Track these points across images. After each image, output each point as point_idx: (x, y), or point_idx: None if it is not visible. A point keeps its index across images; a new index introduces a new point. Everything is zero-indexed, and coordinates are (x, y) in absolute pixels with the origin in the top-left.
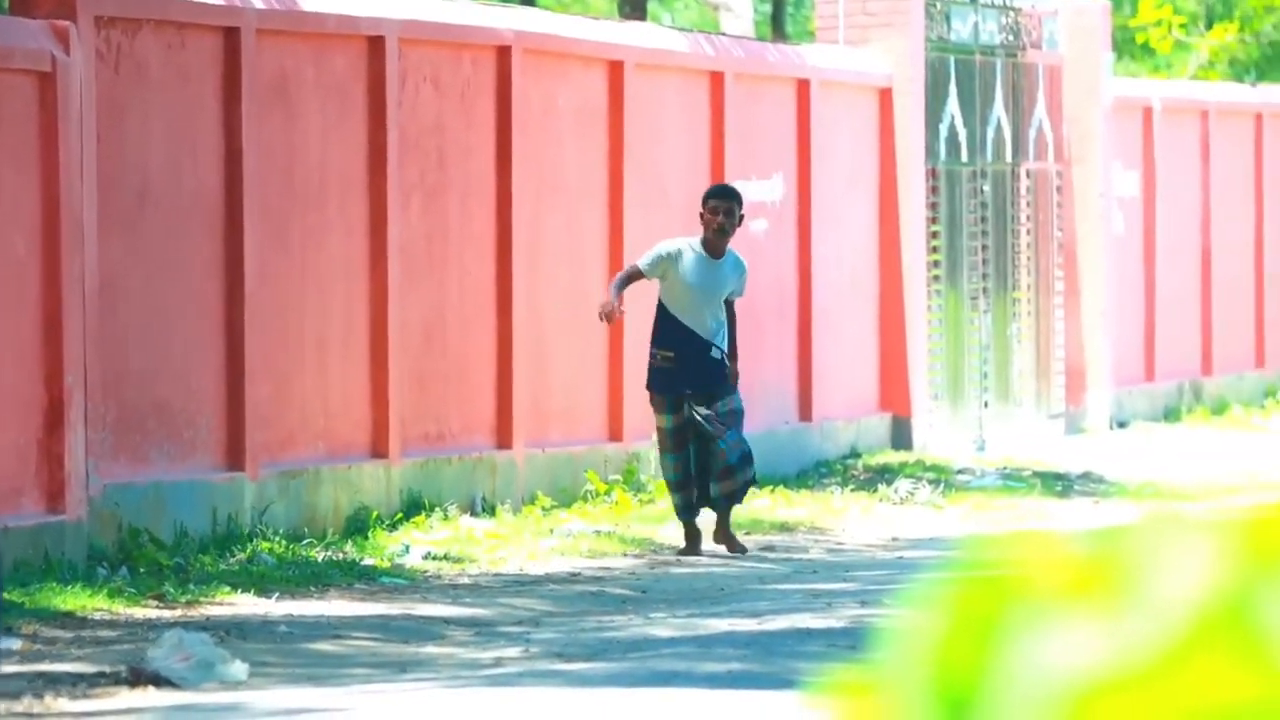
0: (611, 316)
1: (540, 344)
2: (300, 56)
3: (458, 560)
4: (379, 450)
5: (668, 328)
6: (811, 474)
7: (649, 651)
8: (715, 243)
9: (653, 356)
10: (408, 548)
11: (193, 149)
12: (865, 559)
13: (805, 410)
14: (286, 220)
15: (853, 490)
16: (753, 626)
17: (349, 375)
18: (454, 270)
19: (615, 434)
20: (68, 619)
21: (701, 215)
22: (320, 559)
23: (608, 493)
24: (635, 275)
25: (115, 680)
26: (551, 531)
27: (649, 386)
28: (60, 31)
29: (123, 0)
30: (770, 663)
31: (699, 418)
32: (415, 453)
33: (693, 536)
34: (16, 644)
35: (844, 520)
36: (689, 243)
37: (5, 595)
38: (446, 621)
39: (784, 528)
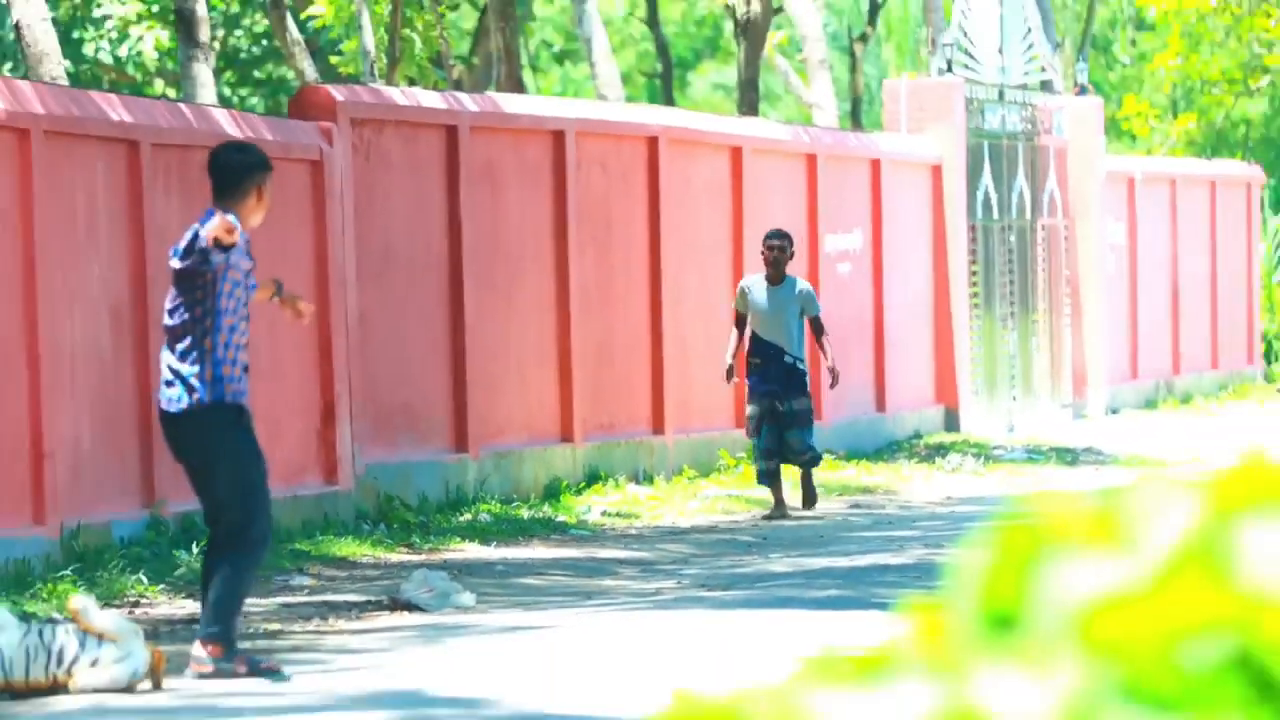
0: (729, 378)
1: (683, 358)
2: (503, 147)
3: (626, 517)
4: (567, 436)
5: (753, 342)
6: (885, 451)
7: (769, 582)
8: (771, 272)
9: (748, 364)
10: (589, 508)
11: (424, 217)
12: (927, 513)
13: (880, 403)
14: (493, 270)
15: (916, 462)
16: (845, 563)
17: (543, 382)
18: (618, 306)
19: (739, 423)
20: (342, 562)
21: (761, 253)
22: (525, 517)
23: (735, 466)
24: (737, 319)
25: (378, 607)
26: (695, 495)
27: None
28: (326, 131)
29: (371, 106)
30: (859, 590)
31: (779, 409)
32: (593, 438)
33: (777, 502)
34: (307, 581)
35: (910, 484)
36: (756, 277)
37: (297, 545)
38: (619, 562)
39: (866, 490)
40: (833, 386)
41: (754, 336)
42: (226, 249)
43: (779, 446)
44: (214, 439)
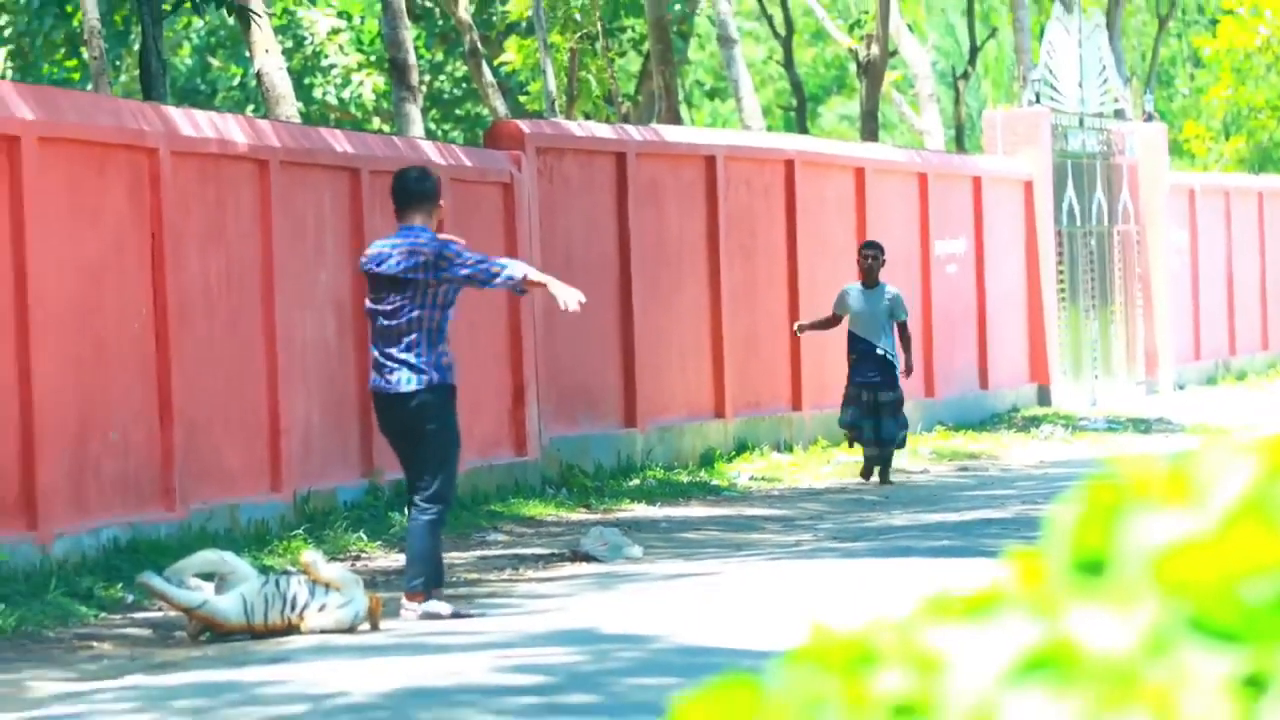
0: (799, 331)
1: (817, 346)
2: (664, 170)
3: (770, 480)
4: (719, 413)
5: (850, 340)
6: (988, 422)
7: (890, 535)
8: (866, 277)
9: (847, 359)
10: (739, 473)
11: (598, 229)
12: (1024, 475)
13: (983, 382)
14: (657, 273)
15: (1014, 432)
16: (955, 518)
17: (699, 367)
18: (762, 302)
19: None
20: (530, 521)
21: (857, 260)
22: (684, 481)
23: None
24: (833, 318)
25: (561, 558)
26: (827, 462)
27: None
28: (515, 158)
29: (553, 137)
30: (967, 540)
31: (875, 400)
32: (742, 414)
33: (866, 470)
34: (500, 537)
35: (1009, 451)
36: (854, 284)
37: (492, 507)
38: (764, 519)
39: (971, 456)
40: (906, 376)
41: (851, 335)
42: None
43: (875, 435)
44: (438, 415)
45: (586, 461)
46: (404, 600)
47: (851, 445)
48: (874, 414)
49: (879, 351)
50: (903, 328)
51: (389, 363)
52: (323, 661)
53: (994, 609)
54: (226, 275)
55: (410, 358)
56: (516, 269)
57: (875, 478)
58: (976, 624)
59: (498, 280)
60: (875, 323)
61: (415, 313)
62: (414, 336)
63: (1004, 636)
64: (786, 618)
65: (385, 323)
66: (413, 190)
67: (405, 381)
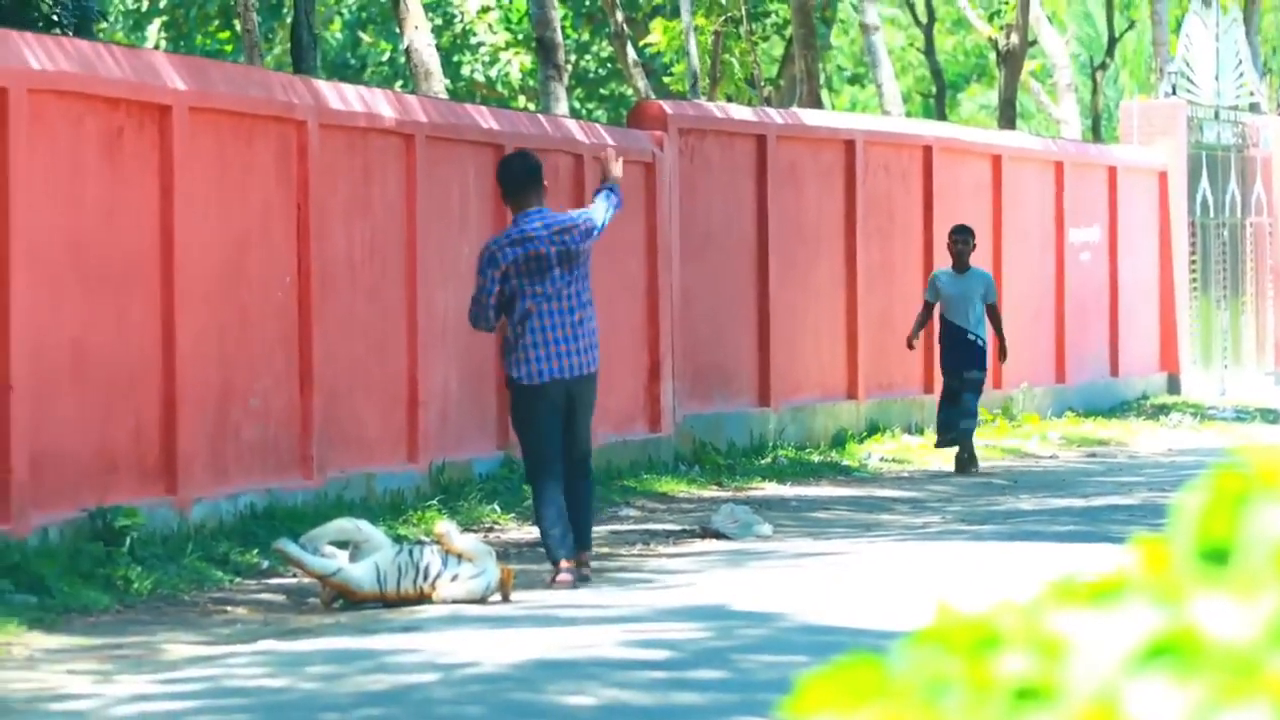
0: (910, 346)
1: None
2: (803, 153)
3: (900, 462)
4: (852, 393)
5: (941, 323)
6: (1118, 409)
7: (1018, 519)
8: (957, 262)
9: (940, 343)
10: (870, 454)
11: (737, 209)
12: (1152, 462)
13: (1114, 369)
14: (793, 254)
15: (1143, 419)
16: (1082, 503)
17: (833, 348)
18: (896, 285)
19: (997, 383)
20: (662, 497)
21: (948, 245)
22: (816, 461)
23: (992, 420)
24: (926, 307)
25: (692, 535)
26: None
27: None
28: (658, 139)
29: (695, 119)
30: (1094, 526)
31: (956, 384)
32: (874, 395)
33: (958, 462)
34: (633, 512)
35: (1138, 438)
36: (945, 269)
37: (625, 482)
38: (893, 500)
39: (1100, 442)
40: (1002, 361)
41: (942, 319)
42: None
43: (956, 419)
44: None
45: (719, 439)
46: (580, 561)
47: (939, 446)
48: (956, 396)
49: (970, 337)
50: (993, 311)
51: (576, 344)
52: (453, 631)
53: (1118, 595)
54: (370, 247)
55: (593, 334)
56: (604, 206)
57: (963, 461)
58: (1101, 610)
59: (612, 214)
60: (967, 307)
61: (588, 288)
62: (590, 310)
63: (1128, 623)
64: (912, 599)
65: (558, 305)
66: (530, 174)
67: (595, 360)
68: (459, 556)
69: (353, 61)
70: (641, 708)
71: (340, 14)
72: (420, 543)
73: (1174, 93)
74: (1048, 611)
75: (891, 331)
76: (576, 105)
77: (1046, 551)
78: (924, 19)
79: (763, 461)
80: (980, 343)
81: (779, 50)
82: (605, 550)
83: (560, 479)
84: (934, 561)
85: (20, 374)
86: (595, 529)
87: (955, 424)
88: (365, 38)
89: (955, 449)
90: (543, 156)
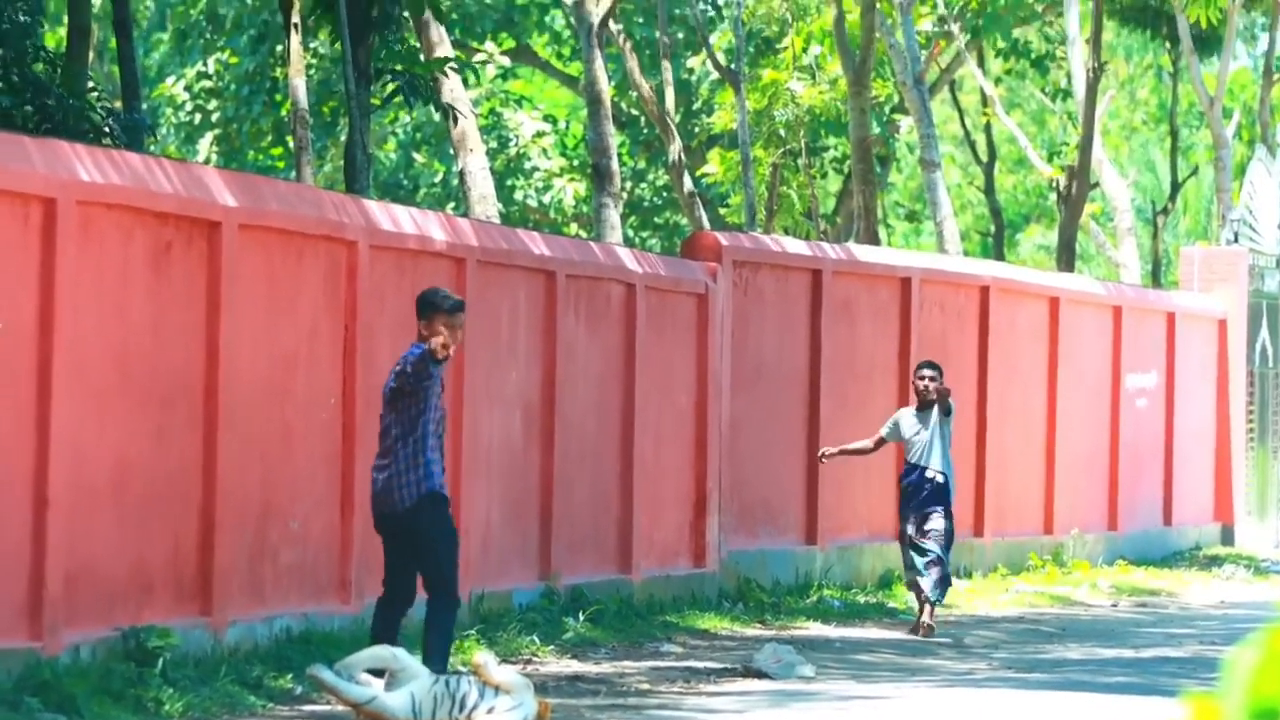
0: (824, 459)
1: (1001, 471)
2: (858, 288)
3: (947, 606)
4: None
5: (905, 468)
6: (1170, 559)
7: (1066, 668)
8: (922, 400)
9: (901, 487)
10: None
11: (790, 342)
12: (1203, 614)
13: (1167, 518)
14: (845, 389)
15: (1195, 570)
16: (1132, 654)
17: (882, 486)
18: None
19: (1048, 528)
20: (704, 634)
21: (914, 384)
22: (861, 602)
23: (1042, 566)
24: (879, 442)
25: (734, 673)
26: (1006, 590)
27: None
28: (711, 270)
29: (750, 251)
30: (1143, 678)
31: (913, 535)
32: None
33: (918, 615)
34: (675, 648)
35: (1189, 589)
36: (907, 409)
37: (667, 618)
38: (940, 645)
39: (1151, 592)
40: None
41: (907, 464)
42: (439, 363)
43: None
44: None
45: (764, 576)
46: None
47: (909, 588)
48: (918, 546)
49: (930, 475)
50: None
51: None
52: None
53: None
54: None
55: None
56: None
57: (925, 617)
58: None
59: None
60: (932, 445)
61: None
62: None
63: None
64: None
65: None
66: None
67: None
68: (496, 688)
69: (405, 182)
70: None
71: (395, 134)
72: (458, 673)
73: (1236, 240)
74: None
75: None
76: (630, 233)
77: (1094, 703)
78: (984, 157)
79: (808, 600)
80: (945, 480)
81: (836, 186)
82: (645, 686)
83: None
84: (980, 709)
85: (58, 488)
86: (637, 664)
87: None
88: (419, 158)
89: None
90: (593, 284)
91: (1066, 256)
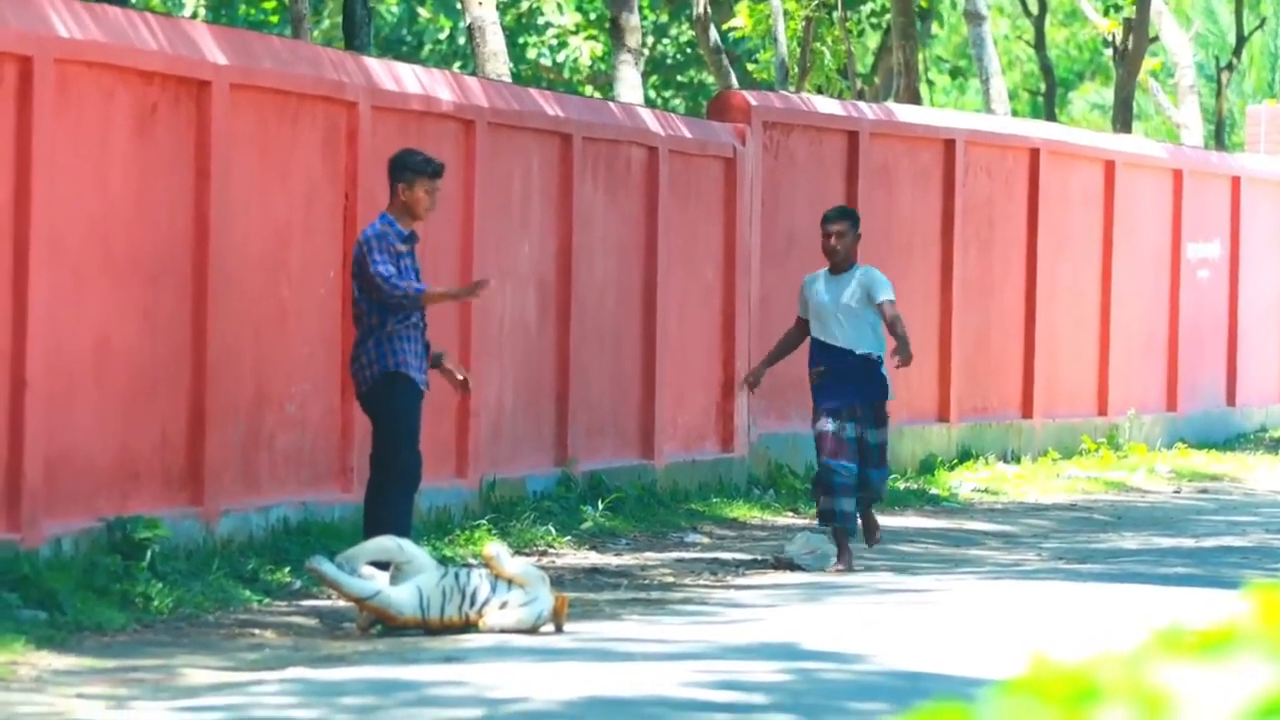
0: (747, 387)
1: (1052, 349)
2: (898, 151)
3: (994, 493)
4: (943, 416)
5: (814, 348)
6: (1234, 442)
7: (1121, 558)
8: (831, 261)
9: (810, 375)
10: (960, 483)
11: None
12: (1269, 500)
13: (1230, 398)
14: (885, 260)
15: (1261, 454)
16: (1192, 544)
17: (924, 365)
18: (996, 297)
19: (1102, 410)
20: (733, 523)
21: (821, 241)
22: (902, 489)
23: (1095, 450)
24: (797, 324)
25: (764, 565)
26: (1057, 475)
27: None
28: (739, 132)
29: (781, 111)
30: (1204, 569)
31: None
32: (967, 419)
33: (841, 550)
34: (701, 539)
35: (1255, 474)
36: (817, 272)
37: (693, 506)
38: (985, 534)
39: (1213, 478)
40: (902, 365)
41: (815, 343)
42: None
43: (857, 480)
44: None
45: (797, 461)
46: None
47: (826, 524)
48: (848, 450)
49: (859, 354)
50: (887, 313)
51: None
52: (500, 663)
53: (1229, 647)
54: (423, 241)
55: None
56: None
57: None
58: (1210, 663)
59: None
60: (850, 319)
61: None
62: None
63: (1239, 678)
64: (1005, 643)
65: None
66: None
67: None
68: (509, 582)
69: (409, 39)
70: None
71: None
72: (468, 565)
73: None
74: (1152, 663)
75: (987, 350)
76: (651, 94)
77: (1151, 595)
78: (1034, 10)
79: None
80: (876, 360)
81: (874, 42)
82: (669, 579)
83: None
84: (1028, 603)
85: (37, 371)
86: (660, 555)
87: (848, 487)
88: (423, 13)
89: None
90: (612, 148)
91: (1123, 117)
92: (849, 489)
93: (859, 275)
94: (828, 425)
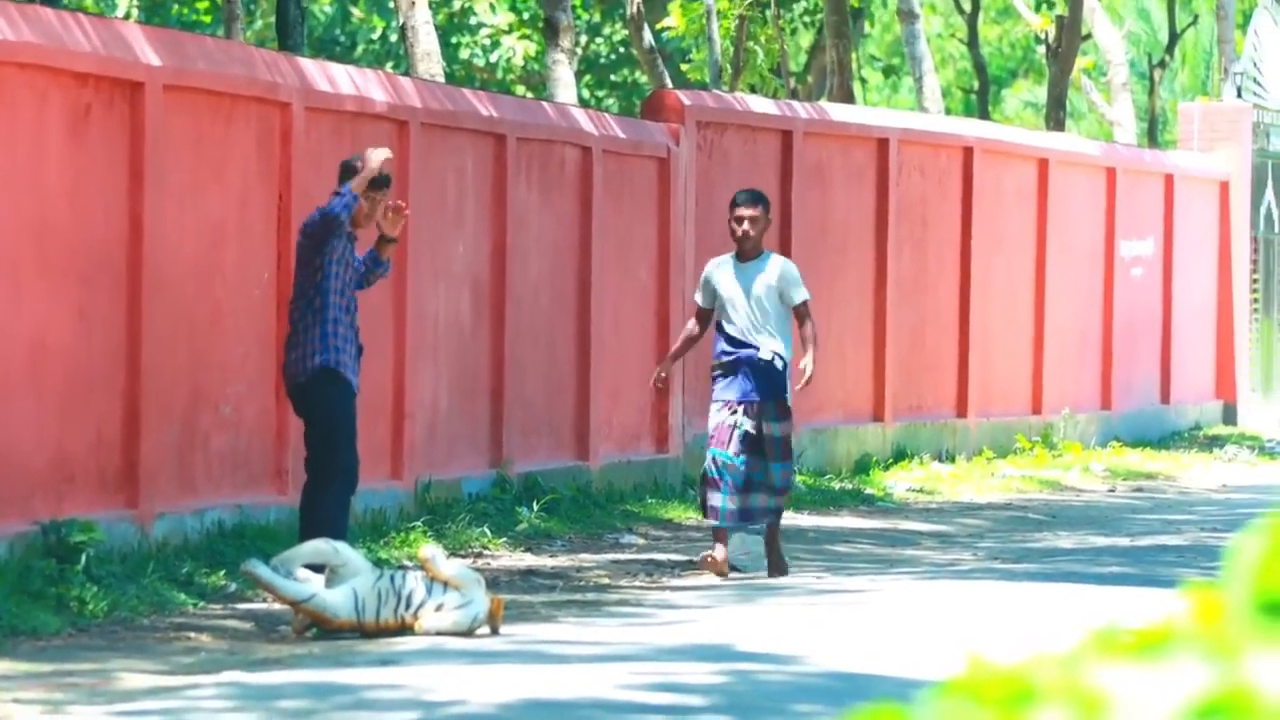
0: (655, 387)
1: (986, 348)
2: (832, 150)
3: (929, 493)
4: (878, 416)
5: (719, 340)
6: (1168, 440)
7: (1056, 557)
8: (740, 248)
9: (711, 370)
10: (895, 483)
11: None
12: (1203, 499)
13: (1165, 396)
14: (819, 259)
15: (1195, 452)
16: (1127, 542)
17: (859, 364)
18: (929, 296)
19: (1037, 408)
20: (668, 524)
21: (729, 224)
22: (836, 489)
23: (1030, 449)
24: (699, 315)
25: (699, 566)
26: (992, 474)
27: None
28: (673, 131)
29: (715, 110)
30: (1139, 568)
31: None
32: (902, 418)
33: (719, 558)
34: (636, 540)
35: (1189, 472)
36: (727, 256)
37: (627, 506)
38: (920, 534)
39: (1148, 476)
40: (804, 385)
41: (721, 334)
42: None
43: (747, 481)
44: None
45: None
46: None
47: (706, 515)
48: (757, 452)
49: (763, 358)
50: (801, 315)
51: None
52: (436, 666)
53: (1166, 648)
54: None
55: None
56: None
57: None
58: (1146, 663)
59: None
60: (758, 312)
61: (299, 284)
62: (295, 307)
63: (1176, 679)
64: (940, 644)
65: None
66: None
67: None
68: (445, 584)
69: (342, 39)
70: None
71: None
72: (403, 568)
73: (1239, 95)
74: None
75: (921, 349)
76: (585, 93)
77: (1087, 595)
78: (967, 7)
79: None
80: (781, 364)
81: (807, 41)
82: (605, 581)
83: None
84: (964, 603)
85: None
86: (595, 557)
87: (746, 505)
88: (356, 13)
89: (723, 502)
90: (546, 148)
91: (1056, 114)
92: (735, 485)
93: (770, 266)
94: (720, 416)
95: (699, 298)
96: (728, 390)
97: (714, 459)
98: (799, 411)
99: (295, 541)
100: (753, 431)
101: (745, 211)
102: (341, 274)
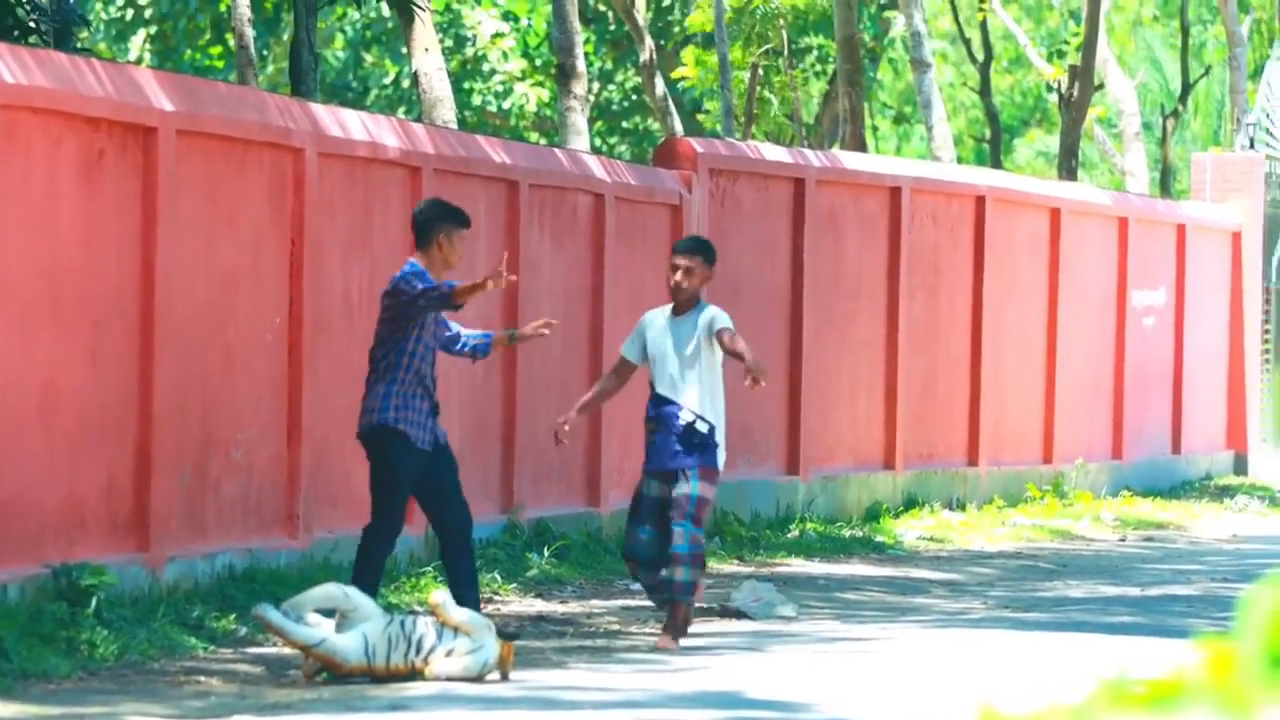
0: (556, 437)
1: (998, 397)
2: (844, 199)
3: (939, 541)
4: (889, 463)
5: (651, 401)
6: (1179, 489)
7: (1067, 606)
8: (674, 299)
9: (645, 426)
10: (906, 531)
11: (771, 257)
12: (1214, 549)
13: (1176, 445)
14: (831, 306)
15: (1206, 502)
16: (1137, 592)
17: (870, 411)
18: (942, 343)
19: (1047, 457)
20: None
21: (667, 276)
22: (847, 536)
23: (1041, 498)
24: (619, 367)
25: (709, 613)
26: (1002, 523)
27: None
28: (686, 179)
29: (728, 158)
30: (1149, 617)
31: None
32: (913, 466)
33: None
34: (638, 587)
35: (1199, 522)
36: (661, 309)
37: None
38: (931, 582)
39: (1158, 525)
40: (756, 386)
41: (652, 394)
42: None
43: (659, 551)
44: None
45: (743, 509)
46: None
47: (635, 577)
48: (658, 517)
49: (683, 420)
50: (725, 341)
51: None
52: (446, 711)
53: (1177, 699)
54: (369, 288)
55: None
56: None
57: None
58: (1158, 714)
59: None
60: (687, 372)
61: (377, 344)
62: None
63: None
64: (950, 694)
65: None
66: (412, 220)
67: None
68: (455, 629)
69: (354, 84)
70: None
71: (343, 31)
72: (413, 613)
73: (1251, 146)
74: (1099, 714)
75: (933, 397)
76: (597, 140)
77: (1097, 645)
78: (980, 56)
79: (789, 535)
80: (704, 426)
81: (820, 89)
82: (615, 627)
83: None
84: (974, 652)
85: None
86: (606, 603)
87: (644, 558)
88: (369, 58)
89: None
90: (558, 194)
91: (1068, 164)
92: (648, 560)
93: (702, 319)
94: (640, 487)
95: (625, 349)
96: (652, 458)
97: (626, 531)
98: (809, 459)
99: (307, 586)
100: (661, 498)
101: (680, 261)
102: (423, 337)
